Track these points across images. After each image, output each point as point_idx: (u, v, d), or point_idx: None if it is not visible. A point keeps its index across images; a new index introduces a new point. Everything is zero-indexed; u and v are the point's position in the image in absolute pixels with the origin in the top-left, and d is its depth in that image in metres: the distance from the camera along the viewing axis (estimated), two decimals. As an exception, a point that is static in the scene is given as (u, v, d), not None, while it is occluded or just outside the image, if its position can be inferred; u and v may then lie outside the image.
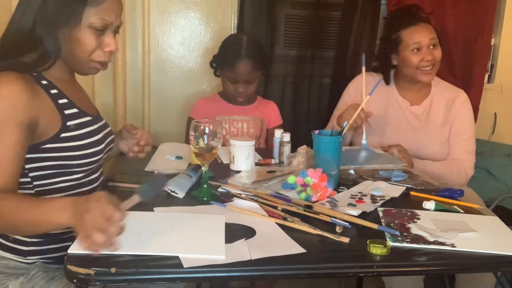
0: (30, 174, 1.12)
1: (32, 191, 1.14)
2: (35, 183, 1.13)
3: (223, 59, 1.96)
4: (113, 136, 1.35)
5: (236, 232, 1.00)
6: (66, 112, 1.15)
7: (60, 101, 1.15)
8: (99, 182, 1.29)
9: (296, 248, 0.94)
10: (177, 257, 0.88)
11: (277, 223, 1.06)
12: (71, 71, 1.23)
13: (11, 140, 1.01)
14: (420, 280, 1.76)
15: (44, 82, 1.13)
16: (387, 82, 1.97)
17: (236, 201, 1.19)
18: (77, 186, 1.20)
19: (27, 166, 1.10)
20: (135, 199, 0.92)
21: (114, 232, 0.84)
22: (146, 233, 0.97)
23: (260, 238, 0.98)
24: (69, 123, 1.15)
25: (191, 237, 0.97)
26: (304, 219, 1.08)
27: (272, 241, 0.97)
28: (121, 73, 2.32)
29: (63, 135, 1.13)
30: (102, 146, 1.23)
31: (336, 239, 0.99)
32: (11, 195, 0.98)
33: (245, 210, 1.12)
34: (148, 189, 0.94)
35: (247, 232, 1.01)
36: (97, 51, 1.15)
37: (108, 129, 1.32)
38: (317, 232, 1.01)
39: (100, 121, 1.29)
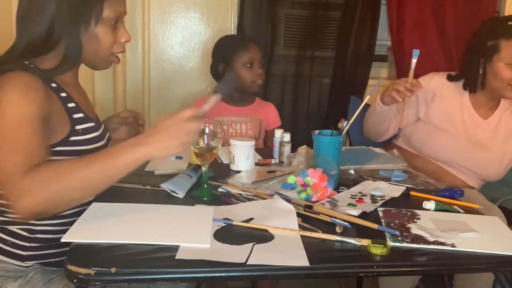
0: None
1: None
2: None
3: (232, 49, 1.95)
4: (111, 140, 1.33)
5: (249, 236, 0.99)
6: (75, 116, 1.13)
7: (69, 105, 1.13)
8: None
9: (300, 260, 0.90)
10: (176, 257, 0.88)
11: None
12: (76, 75, 1.21)
13: (33, 127, 0.98)
14: (415, 280, 1.77)
15: (53, 85, 1.11)
16: (471, 89, 1.85)
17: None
18: None
19: None
20: (215, 98, 1.05)
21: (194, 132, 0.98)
22: (133, 224, 1.01)
23: (272, 246, 0.96)
24: (77, 127, 1.13)
25: (179, 227, 1.01)
26: (304, 219, 1.08)
27: (282, 251, 0.93)
28: (121, 73, 2.32)
29: (72, 138, 1.11)
30: None
31: (357, 243, 0.98)
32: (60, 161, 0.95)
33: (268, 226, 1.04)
34: (224, 86, 1.12)
35: (262, 238, 0.98)
36: (116, 43, 1.17)
37: (108, 134, 1.29)
38: (337, 238, 0.99)
39: (101, 126, 1.26)
